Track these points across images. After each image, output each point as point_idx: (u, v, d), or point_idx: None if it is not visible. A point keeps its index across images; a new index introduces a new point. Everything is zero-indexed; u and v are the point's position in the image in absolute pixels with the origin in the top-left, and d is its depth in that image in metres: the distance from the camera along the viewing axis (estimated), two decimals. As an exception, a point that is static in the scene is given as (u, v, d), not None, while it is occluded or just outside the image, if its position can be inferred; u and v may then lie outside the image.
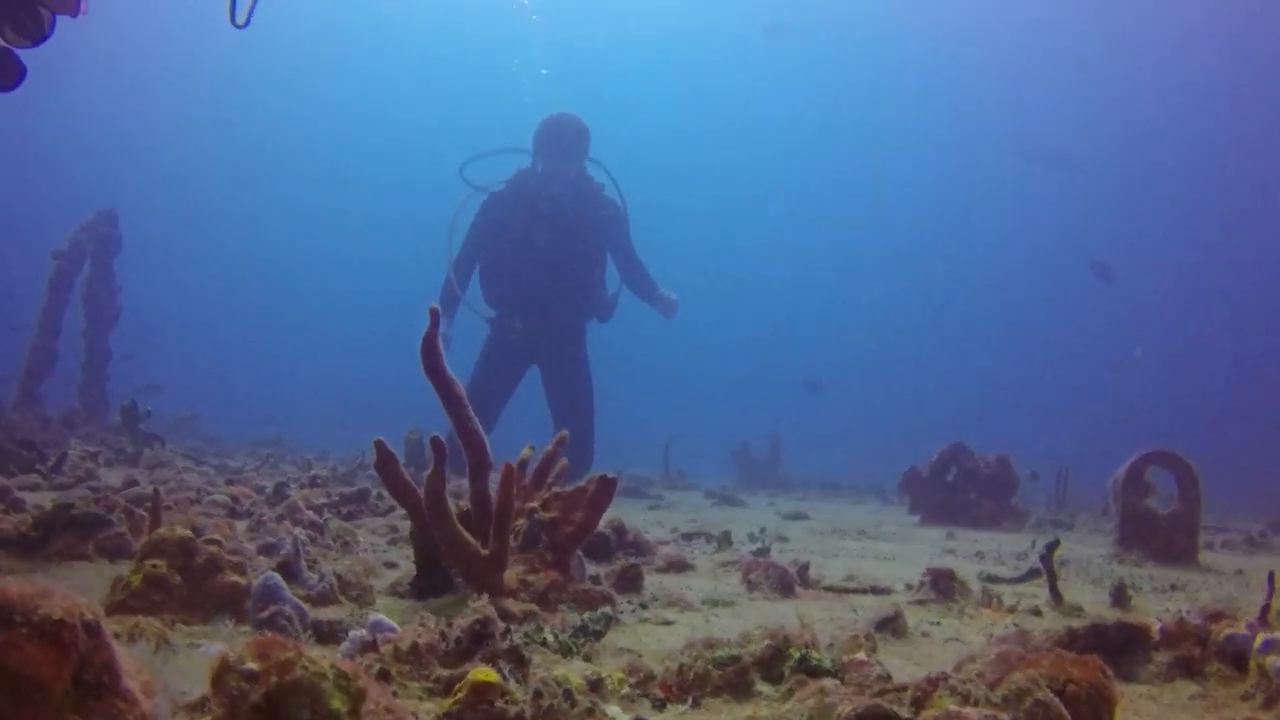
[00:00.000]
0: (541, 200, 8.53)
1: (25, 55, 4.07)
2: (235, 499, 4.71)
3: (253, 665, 1.04)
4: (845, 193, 39.71)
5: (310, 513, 4.12)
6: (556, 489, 2.95)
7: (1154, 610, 3.29)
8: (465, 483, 2.75)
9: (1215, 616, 2.36)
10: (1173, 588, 4.00)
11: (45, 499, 4.27)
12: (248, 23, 4.38)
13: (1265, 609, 2.34)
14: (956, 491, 7.30)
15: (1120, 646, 2.27)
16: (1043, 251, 35.99)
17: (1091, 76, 33.00)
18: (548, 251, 8.54)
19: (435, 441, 2.51)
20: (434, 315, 2.56)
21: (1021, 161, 33.36)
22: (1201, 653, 2.22)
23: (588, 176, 8.86)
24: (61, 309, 10.00)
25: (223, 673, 1.05)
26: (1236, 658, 2.14)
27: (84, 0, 4.32)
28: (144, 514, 3.45)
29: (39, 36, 4.06)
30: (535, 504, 2.87)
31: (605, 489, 2.82)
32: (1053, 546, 3.48)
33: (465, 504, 2.72)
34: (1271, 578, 2.40)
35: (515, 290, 8.71)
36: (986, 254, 37.90)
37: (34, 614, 1.02)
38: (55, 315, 9.93)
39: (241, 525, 3.92)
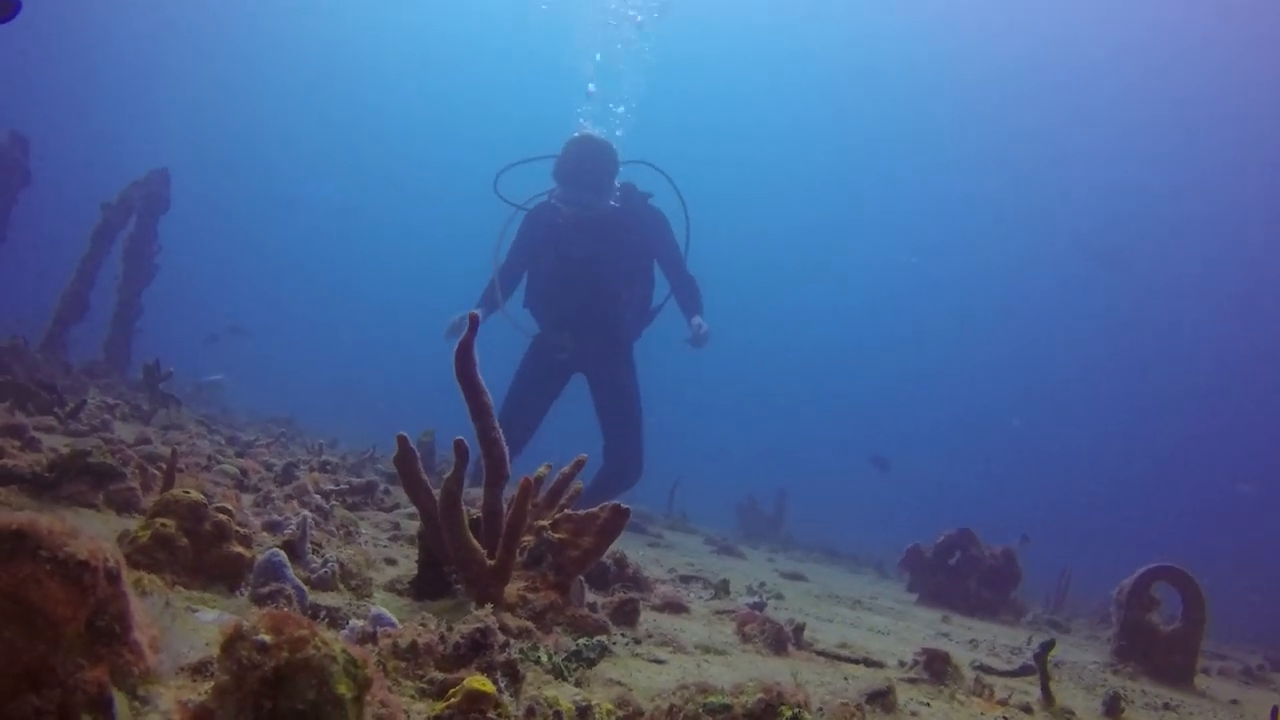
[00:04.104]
0: (570, 223, 8.32)
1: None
2: (244, 472, 4.72)
3: (266, 637, 1.03)
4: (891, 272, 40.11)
5: (318, 497, 4.12)
6: (568, 511, 2.94)
7: (1146, 726, 3.24)
8: (477, 490, 2.75)
9: (1212, 742, 2.32)
10: (1165, 706, 3.94)
11: (59, 443, 4.30)
12: None
13: (1264, 742, 2.29)
14: (958, 577, 7.24)
15: (1112, 757, 2.23)
16: (1093, 347, 36.20)
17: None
18: (587, 268, 8.36)
19: (459, 445, 2.51)
20: (473, 322, 2.56)
21: (1080, 258, 33.53)
22: (1194, 776, 2.18)
23: (630, 188, 8.59)
24: (100, 260, 10.07)
25: (234, 641, 1.04)
26: (1230, 787, 2.10)
27: None
28: (156, 472, 3.46)
29: None
30: (546, 523, 2.86)
31: (617, 518, 2.81)
32: (1048, 646, 3.44)
33: (476, 512, 2.72)
34: (1275, 713, 2.36)
35: (558, 306, 8.57)
36: (1039, 345, 38.04)
37: (59, 551, 1.02)
38: (93, 265, 9.99)
39: (248, 499, 3.92)
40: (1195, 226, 34.00)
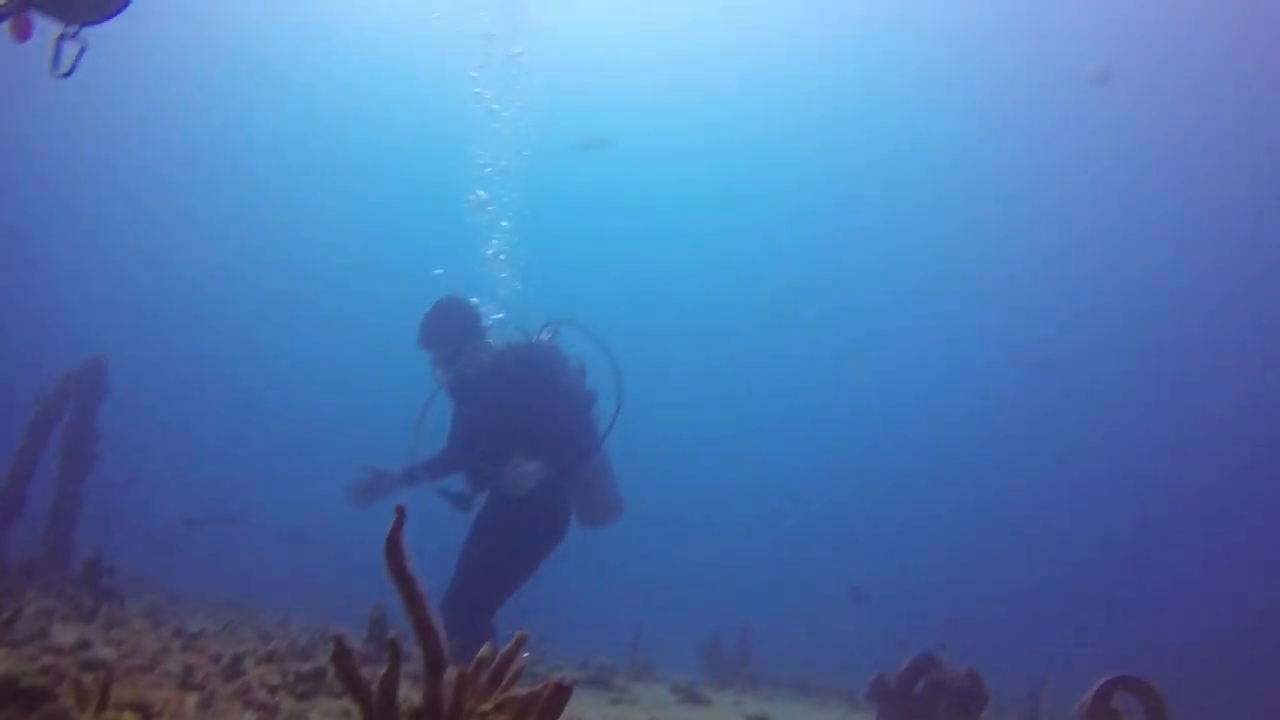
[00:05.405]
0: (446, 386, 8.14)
1: None
2: (189, 669, 4.63)
3: None
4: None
5: (263, 693, 4.05)
6: (511, 693, 2.93)
7: None
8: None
9: None
10: (1134, 828, 3.92)
11: (-5, 659, 4.20)
12: (71, 73, 4.29)
13: None
14: (925, 704, 7.17)
15: None
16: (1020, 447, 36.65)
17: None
18: (468, 427, 8.03)
19: (392, 644, 2.51)
20: (400, 515, 2.59)
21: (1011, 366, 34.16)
22: None
23: (509, 348, 8.08)
24: (38, 454, 9.95)
25: None
26: None
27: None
28: (92, 687, 3.39)
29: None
30: (489, 706, 2.84)
31: (559, 697, 2.79)
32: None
33: (417, 702, 2.70)
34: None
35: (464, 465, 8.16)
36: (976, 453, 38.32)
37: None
38: (30, 460, 9.87)
39: (192, 699, 3.85)
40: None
